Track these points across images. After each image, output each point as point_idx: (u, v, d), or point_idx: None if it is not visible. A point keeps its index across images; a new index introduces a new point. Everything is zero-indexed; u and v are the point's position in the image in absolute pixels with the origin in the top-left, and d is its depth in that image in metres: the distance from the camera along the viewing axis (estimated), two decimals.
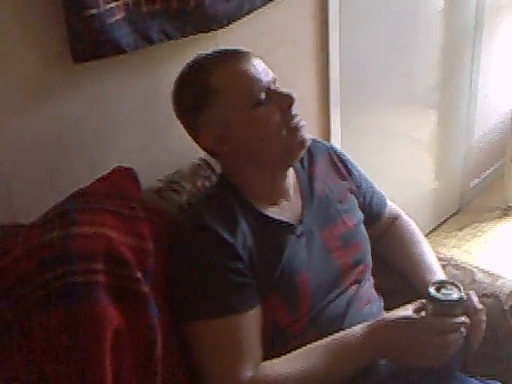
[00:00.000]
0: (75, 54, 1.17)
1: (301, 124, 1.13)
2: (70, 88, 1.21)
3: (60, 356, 0.91)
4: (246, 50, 1.15)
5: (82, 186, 1.08)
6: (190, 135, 1.18)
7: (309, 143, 1.14)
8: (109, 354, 0.92)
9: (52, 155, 1.21)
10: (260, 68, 1.12)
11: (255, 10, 1.55)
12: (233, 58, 1.12)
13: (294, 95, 1.11)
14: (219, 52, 1.15)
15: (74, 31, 1.15)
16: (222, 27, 1.44)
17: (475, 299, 1.09)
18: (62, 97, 1.20)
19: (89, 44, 1.17)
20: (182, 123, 1.18)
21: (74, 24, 1.14)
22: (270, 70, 1.14)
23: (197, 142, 1.18)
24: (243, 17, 1.51)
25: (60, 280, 0.92)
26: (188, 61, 1.17)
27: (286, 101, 1.11)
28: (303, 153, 1.16)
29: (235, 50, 1.14)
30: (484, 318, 1.11)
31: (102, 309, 0.93)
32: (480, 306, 1.09)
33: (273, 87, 1.12)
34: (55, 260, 0.93)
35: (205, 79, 1.11)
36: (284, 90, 1.12)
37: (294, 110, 1.12)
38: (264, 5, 1.58)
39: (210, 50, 1.16)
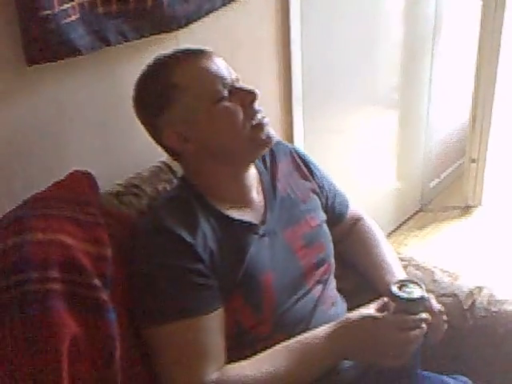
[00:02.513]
0: (29, 56, 1.14)
1: (265, 120, 1.13)
2: (24, 91, 1.18)
3: (16, 366, 0.88)
4: (208, 49, 1.15)
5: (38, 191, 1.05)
6: (152, 136, 1.16)
7: (274, 140, 1.15)
8: (66, 363, 0.90)
9: (7, 161, 1.18)
10: (222, 66, 1.13)
11: (215, 10, 1.54)
12: (194, 55, 1.12)
13: (257, 91, 1.11)
14: (180, 51, 1.15)
15: (27, 32, 1.12)
16: (180, 28, 1.43)
17: (434, 301, 1.12)
18: (16, 100, 1.17)
19: (43, 45, 1.14)
20: (144, 124, 1.17)
21: (27, 25, 1.11)
22: (232, 70, 1.15)
23: (159, 143, 1.17)
24: (203, 17, 1.50)
25: (15, 289, 0.90)
26: (148, 61, 1.16)
27: (249, 96, 1.11)
28: (268, 150, 1.16)
29: (197, 49, 1.14)
30: (444, 318, 1.13)
31: (59, 317, 0.91)
32: (440, 308, 1.12)
33: (236, 85, 1.12)
34: (9, 268, 0.91)
35: (166, 77, 1.10)
36: (247, 86, 1.13)
37: (257, 106, 1.12)
38: (224, 5, 1.57)
39: (170, 50, 1.15)
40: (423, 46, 2.70)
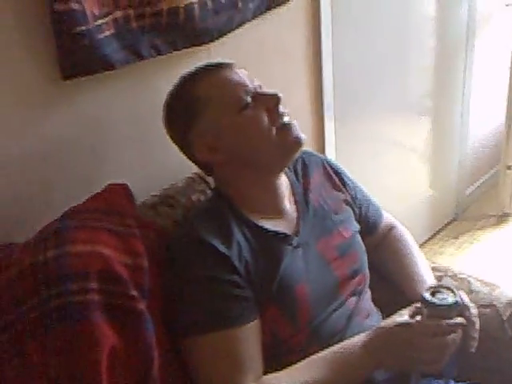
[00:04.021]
0: (64, 71, 1.17)
1: (291, 122, 1.13)
2: (61, 104, 1.21)
3: (56, 377, 0.90)
4: (229, 61, 1.17)
5: (76, 204, 1.07)
6: (184, 152, 1.19)
7: (304, 142, 1.14)
8: (105, 374, 0.91)
9: (46, 172, 1.20)
10: (243, 75, 1.14)
11: (246, 22, 1.55)
12: (215, 68, 1.15)
13: (280, 94, 1.12)
14: (202, 66, 1.17)
15: (62, 47, 1.14)
16: (212, 41, 1.45)
17: (466, 298, 1.10)
18: (54, 114, 1.20)
19: (78, 60, 1.17)
20: (176, 142, 1.19)
21: (62, 40, 1.13)
22: (254, 78, 1.16)
23: (191, 159, 1.19)
24: (234, 30, 1.51)
25: (55, 300, 0.92)
26: (181, 74, 1.18)
27: (272, 100, 1.12)
28: (298, 153, 1.16)
29: (217, 63, 1.17)
30: (477, 326, 1.11)
31: (98, 328, 0.92)
32: (471, 304, 1.10)
33: (259, 91, 1.13)
34: (50, 280, 0.92)
35: (190, 92, 1.13)
36: (269, 90, 1.13)
37: (282, 108, 1.13)
38: (255, 18, 1.59)
39: (192, 68, 1.18)
40: (456, 51, 2.67)
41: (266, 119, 1.11)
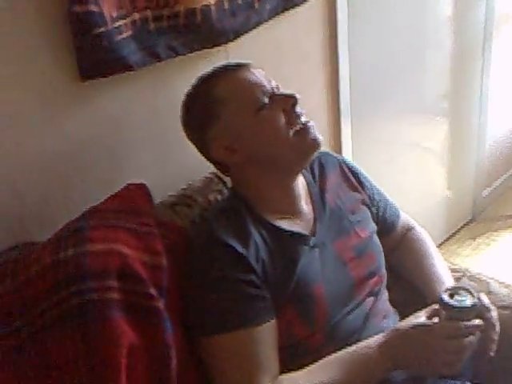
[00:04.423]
0: (83, 72, 1.18)
1: (309, 123, 1.13)
2: (80, 105, 1.22)
3: (76, 374, 0.91)
4: (246, 62, 1.17)
5: (95, 203, 1.08)
6: (201, 151, 1.19)
7: (321, 143, 1.14)
8: (125, 372, 0.92)
9: (65, 172, 1.22)
10: (261, 75, 1.15)
11: (263, 23, 1.56)
12: (232, 69, 1.15)
13: (298, 95, 1.12)
14: (219, 67, 1.18)
15: (81, 49, 1.15)
16: (228, 41, 1.45)
17: (486, 300, 1.09)
18: (73, 114, 1.21)
19: (96, 62, 1.18)
20: (193, 142, 1.20)
21: (81, 42, 1.15)
22: (271, 79, 1.16)
23: (207, 157, 1.19)
24: (251, 30, 1.52)
25: (74, 298, 0.92)
26: (199, 75, 1.19)
27: (289, 100, 1.12)
28: (316, 154, 1.15)
29: (235, 63, 1.17)
30: (498, 328, 1.10)
31: (117, 326, 0.93)
32: (491, 306, 1.09)
33: (276, 92, 1.13)
34: (69, 278, 0.93)
35: (207, 93, 1.14)
36: (286, 91, 1.13)
37: (299, 109, 1.13)
38: (271, 18, 1.59)
39: (209, 69, 1.19)
40: (474, 51, 2.65)
41: (282, 120, 1.11)
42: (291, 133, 1.11)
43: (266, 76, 1.16)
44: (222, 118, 1.12)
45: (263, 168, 1.14)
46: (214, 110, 1.12)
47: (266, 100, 1.11)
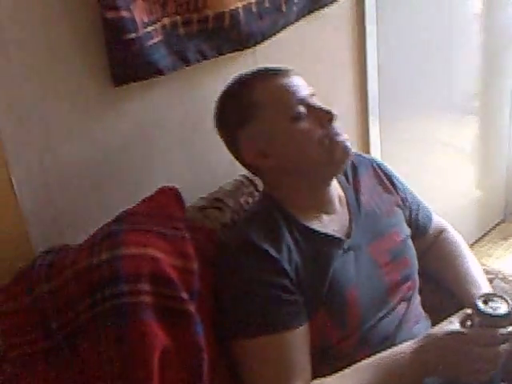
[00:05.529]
0: (115, 77, 1.19)
1: (341, 138, 1.13)
2: (112, 110, 1.23)
3: (109, 376, 0.92)
4: (286, 67, 1.17)
5: (128, 207, 1.10)
6: (232, 151, 1.19)
7: (351, 154, 1.14)
8: (157, 374, 0.92)
9: (98, 177, 1.23)
10: (300, 83, 1.14)
11: (290, 25, 1.56)
12: (273, 74, 1.15)
13: (335, 112, 1.12)
14: (260, 70, 1.18)
15: (113, 55, 1.17)
16: (256, 44, 1.46)
17: None
18: (105, 119, 1.23)
19: (128, 67, 1.19)
20: (224, 140, 1.20)
21: (114, 48, 1.16)
22: (309, 86, 1.16)
23: (238, 158, 1.19)
24: (278, 33, 1.52)
25: (108, 301, 0.94)
26: (229, 78, 1.20)
27: (326, 116, 1.12)
28: (347, 162, 1.16)
29: (276, 68, 1.17)
30: None
31: (150, 329, 0.94)
32: None
33: (311, 101, 1.13)
34: (103, 282, 0.94)
35: (247, 94, 1.14)
36: (324, 106, 1.13)
37: (335, 125, 1.12)
38: (298, 20, 1.59)
39: (250, 70, 1.19)
40: (504, 49, 2.60)
41: (318, 134, 1.11)
42: (324, 147, 1.11)
43: (304, 83, 1.16)
44: (257, 122, 1.12)
45: (294, 175, 1.14)
46: (249, 112, 1.13)
47: (303, 109, 1.11)
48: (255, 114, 1.12)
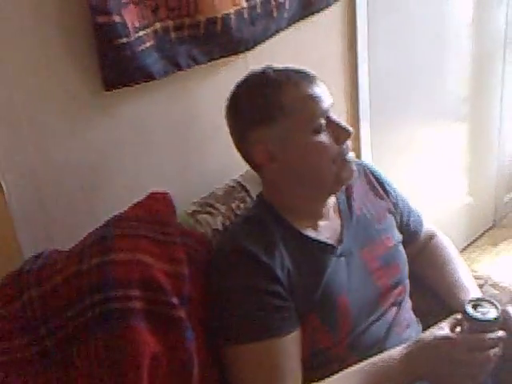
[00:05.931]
0: (106, 82, 1.19)
1: (351, 158, 1.13)
2: (103, 114, 1.23)
3: (99, 382, 0.91)
4: (313, 73, 1.15)
5: (119, 211, 1.09)
6: (238, 146, 1.17)
7: (356, 176, 1.15)
8: (147, 380, 0.92)
9: (89, 181, 1.23)
10: (324, 93, 1.12)
11: (281, 31, 1.56)
12: (305, 80, 1.11)
13: (352, 130, 1.11)
14: (291, 71, 1.14)
15: (105, 59, 1.17)
16: (248, 50, 1.46)
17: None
18: (96, 123, 1.22)
19: (119, 71, 1.19)
20: (233, 132, 1.17)
21: (105, 52, 1.16)
22: (329, 94, 1.14)
23: (243, 154, 1.17)
24: (269, 38, 1.52)
25: (98, 307, 0.93)
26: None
27: (345, 134, 1.11)
28: (348, 183, 1.17)
29: (305, 72, 1.14)
30: None
31: (140, 335, 0.93)
32: None
33: (331, 115, 1.12)
34: (93, 287, 0.94)
35: (275, 95, 1.10)
36: (344, 123, 1.12)
37: (348, 144, 1.13)
38: (290, 26, 1.59)
39: (281, 67, 1.15)
40: (494, 55, 2.62)
41: (334, 150, 1.10)
42: (336, 164, 1.11)
43: (327, 91, 1.13)
44: (277, 125, 1.09)
45: (298, 182, 1.13)
46: (273, 113, 1.09)
47: (323, 121, 1.10)
48: (278, 117, 1.09)
